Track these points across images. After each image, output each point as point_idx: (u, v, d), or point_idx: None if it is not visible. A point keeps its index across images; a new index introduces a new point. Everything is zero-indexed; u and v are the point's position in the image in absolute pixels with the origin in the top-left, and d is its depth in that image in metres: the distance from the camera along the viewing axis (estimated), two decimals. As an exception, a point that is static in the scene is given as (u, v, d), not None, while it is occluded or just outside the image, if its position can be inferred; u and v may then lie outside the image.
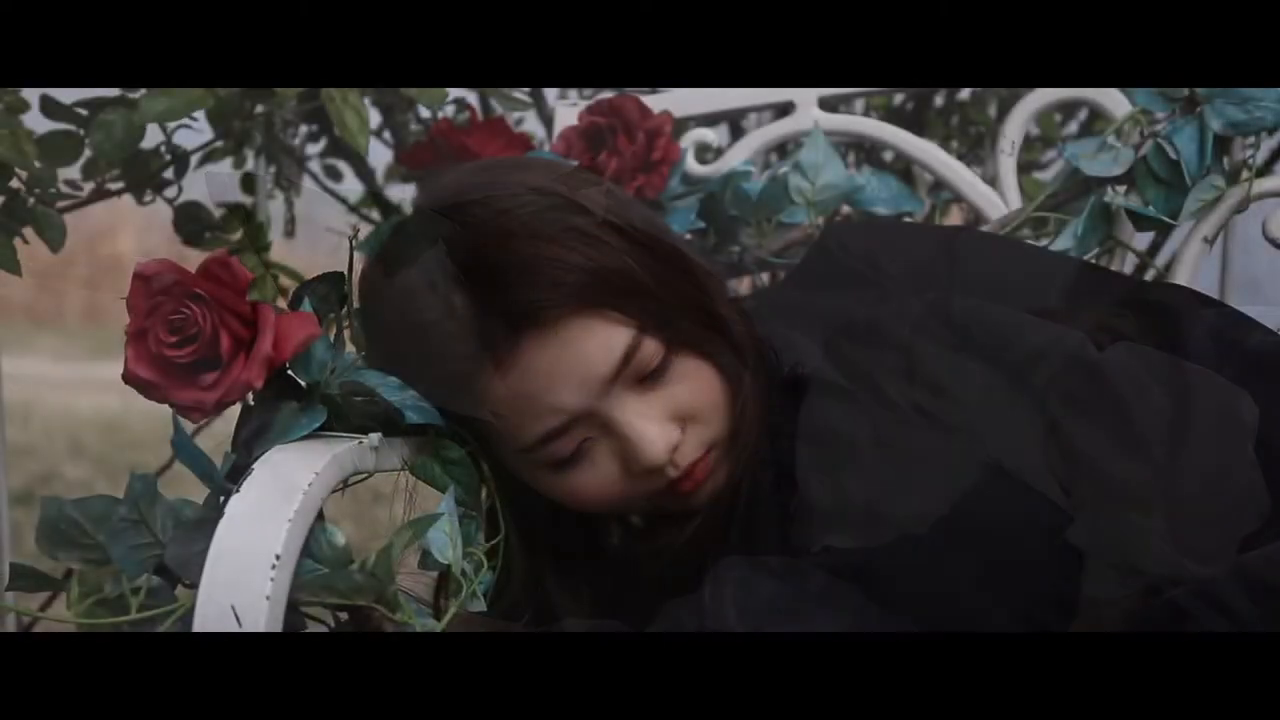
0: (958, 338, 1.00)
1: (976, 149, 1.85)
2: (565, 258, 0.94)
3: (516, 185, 0.97)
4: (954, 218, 1.60)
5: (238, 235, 1.42)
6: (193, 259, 0.99)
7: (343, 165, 1.85)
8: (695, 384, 0.98)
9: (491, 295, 0.93)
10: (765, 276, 1.29)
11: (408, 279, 0.97)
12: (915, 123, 1.82)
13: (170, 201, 1.36)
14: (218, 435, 1.06)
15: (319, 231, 1.78)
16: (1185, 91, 1.13)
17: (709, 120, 1.38)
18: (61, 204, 1.21)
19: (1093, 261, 1.16)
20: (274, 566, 0.80)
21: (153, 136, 1.25)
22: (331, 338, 0.96)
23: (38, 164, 1.15)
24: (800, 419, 0.98)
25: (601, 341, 0.94)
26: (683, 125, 1.32)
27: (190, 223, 1.40)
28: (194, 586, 0.82)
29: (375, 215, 1.92)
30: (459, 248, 0.95)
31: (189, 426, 0.93)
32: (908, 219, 1.29)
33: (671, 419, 0.97)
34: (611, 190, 1.02)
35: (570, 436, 0.96)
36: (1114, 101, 1.22)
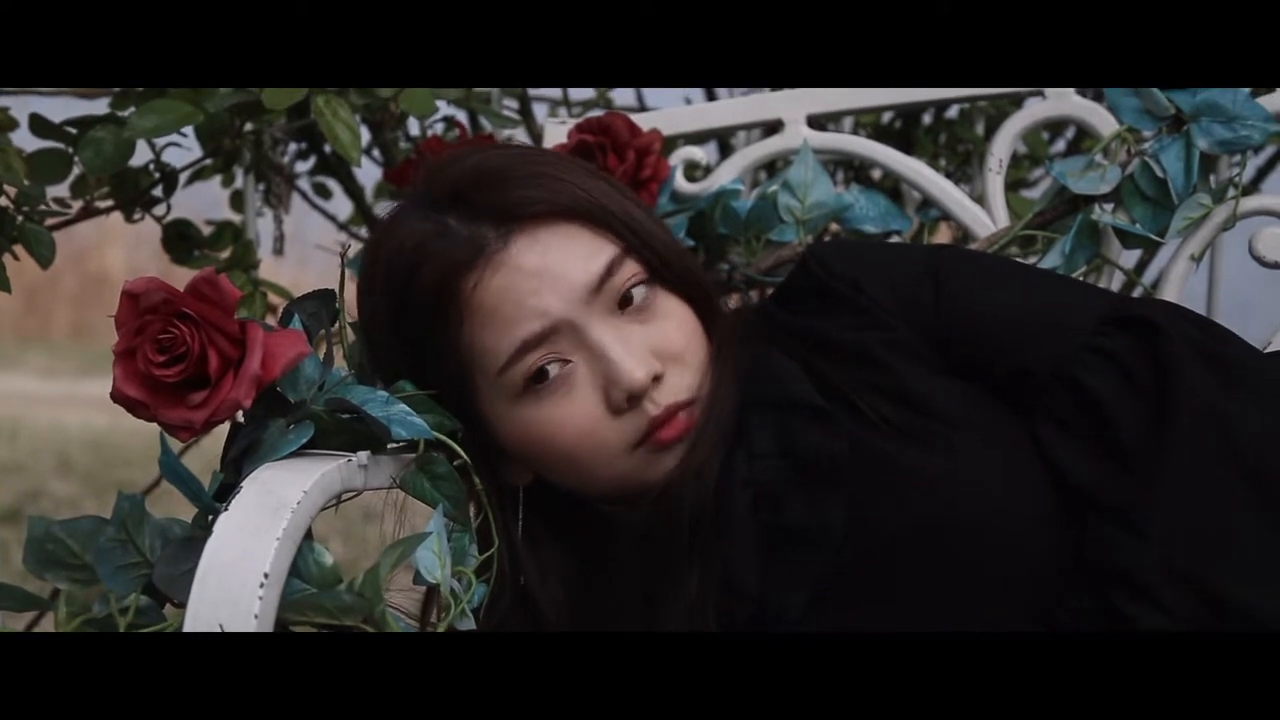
0: (942, 358, 1.00)
1: (964, 167, 1.86)
2: (563, 176, 0.99)
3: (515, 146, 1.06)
4: (942, 235, 1.60)
5: (226, 253, 1.42)
6: (180, 276, 1.00)
7: (332, 183, 1.85)
8: (678, 323, 1.00)
9: (486, 200, 0.97)
10: (754, 294, 1.29)
11: (404, 216, 1.01)
12: (903, 141, 1.83)
13: (159, 219, 1.36)
14: (207, 452, 1.06)
15: (308, 249, 1.78)
16: (1172, 110, 1.14)
17: (698, 138, 1.39)
18: (50, 221, 1.21)
19: (1077, 277, 1.17)
20: (262, 585, 0.80)
21: (142, 154, 1.25)
22: (321, 355, 0.96)
23: (26, 182, 1.15)
24: (780, 439, 0.98)
25: (585, 250, 0.97)
26: (672, 143, 1.32)
27: (179, 240, 1.40)
28: (182, 605, 0.82)
29: (364, 233, 1.92)
30: (454, 177, 1.00)
31: (177, 444, 0.93)
32: (896, 237, 1.29)
33: (653, 353, 0.98)
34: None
35: (548, 348, 0.97)
36: (1101, 120, 1.22)
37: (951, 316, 1.01)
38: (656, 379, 0.98)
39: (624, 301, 0.98)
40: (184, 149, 1.28)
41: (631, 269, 0.99)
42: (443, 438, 0.98)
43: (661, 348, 0.99)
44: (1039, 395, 0.98)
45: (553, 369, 0.97)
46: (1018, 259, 1.23)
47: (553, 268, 0.97)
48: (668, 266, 1.01)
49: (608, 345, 0.97)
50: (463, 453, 0.99)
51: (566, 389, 0.98)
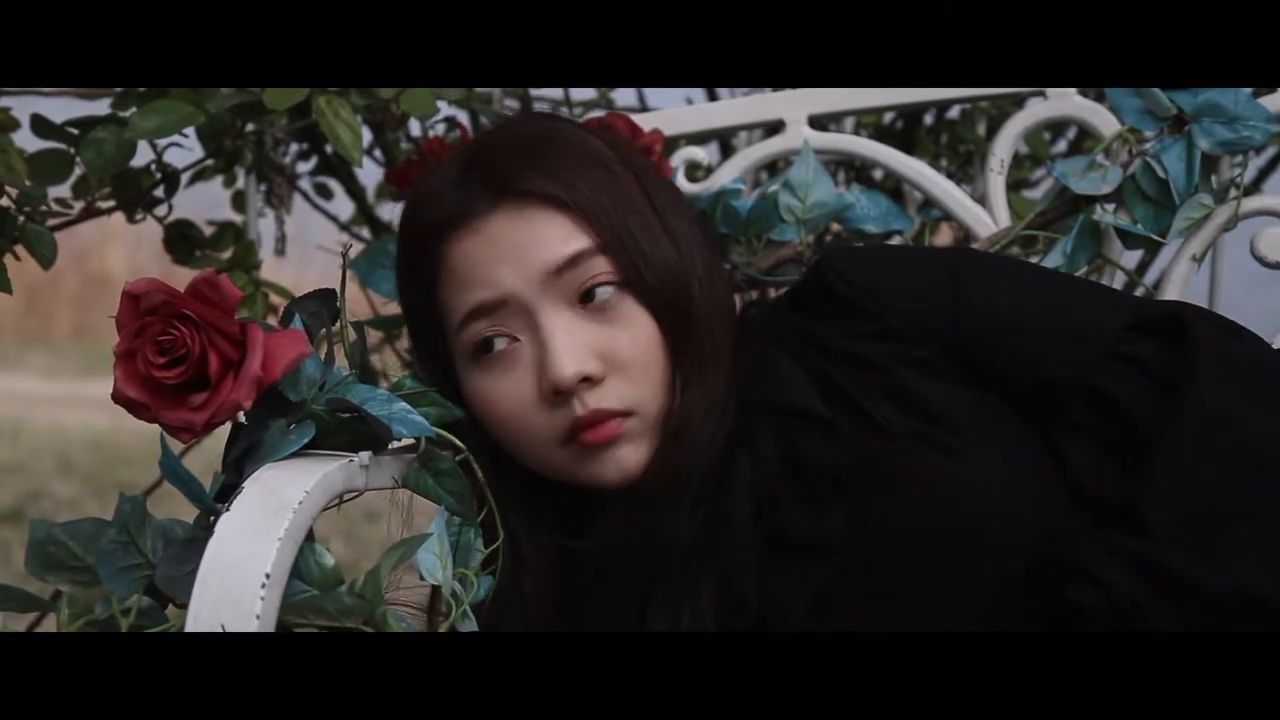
0: (954, 364, 0.99)
1: (966, 167, 1.85)
2: (568, 164, 1.00)
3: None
4: (943, 236, 1.60)
5: (228, 253, 1.42)
6: (182, 277, 1.00)
7: (334, 184, 1.85)
8: (634, 335, 0.99)
9: (491, 167, 1.01)
10: (754, 294, 1.29)
11: (445, 163, 1.06)
12: (905, 141, 1.83)
13: (160, 219, 1.36)
14: (209, 453, 1.06)
15: (310, 249, 1.78)
16: (1173, 110, 1.14)
17: (699, 138, 1.39)
18: (52, 222, 1.20)
19: (1098, 281, 1.16)
20: (264, 585, 0.80)
21: (143, 154, 1.25)
22: (322, 355, 0.96)
23: (28, 183, 1.15)
24: (781, 445, 0.97)
25: (558, 235, 0.98)
26: (673, 143, 1.32)
27: (180, 240, 1.40)
28: (184, 606, 0.82)
29: (366, 233, 1.92)
30: (484, 138, 1.06)
31: (178, 446, 0.93)
32: (897, 237, 1.29)
33: (597, 355, 0.98)
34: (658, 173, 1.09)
35: (498, 321, 0.99)
36: (1103, 120, 1.22)
37: (970, 321, 0.99)
38: (589, 380, 0.97)
39: (586, 297, 0.99)
40: (185, 149, 1.28)
41: (601, 267, 0.98)
42: (444, 433, 0.99)
43: (609, 353, 0.98)
44: (1061, 403, 0.97)
45: (500, 343, 1.00)
46: (1021, 259, 1.23)
47: (519, 245, 0.98)
48: (644, 279, 0.99)
49: (549, 333, 0.98)
50: (463, 446, 1.00)
51: (509, 365, 1.00)
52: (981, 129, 1.79)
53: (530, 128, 1.09)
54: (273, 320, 1.05)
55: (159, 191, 1.32)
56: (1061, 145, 1.99)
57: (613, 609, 1.00)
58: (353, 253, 1.06)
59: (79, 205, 1.27)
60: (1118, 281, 1.24)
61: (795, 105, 1.31)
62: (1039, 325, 0.99)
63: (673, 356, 1.00)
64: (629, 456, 0.99)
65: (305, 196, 1.83)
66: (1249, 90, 1.13)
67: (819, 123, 1.33)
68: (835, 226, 1.29)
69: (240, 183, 1.64)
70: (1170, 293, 1.18)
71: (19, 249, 1.16)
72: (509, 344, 1.00)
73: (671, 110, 1.36)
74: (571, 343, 0.97)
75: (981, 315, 1.00)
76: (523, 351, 0.99)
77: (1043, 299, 1.01)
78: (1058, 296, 1.02)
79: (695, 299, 1.01)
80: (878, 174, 1.82)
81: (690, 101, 1.61)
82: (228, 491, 0.88)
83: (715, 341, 1.02)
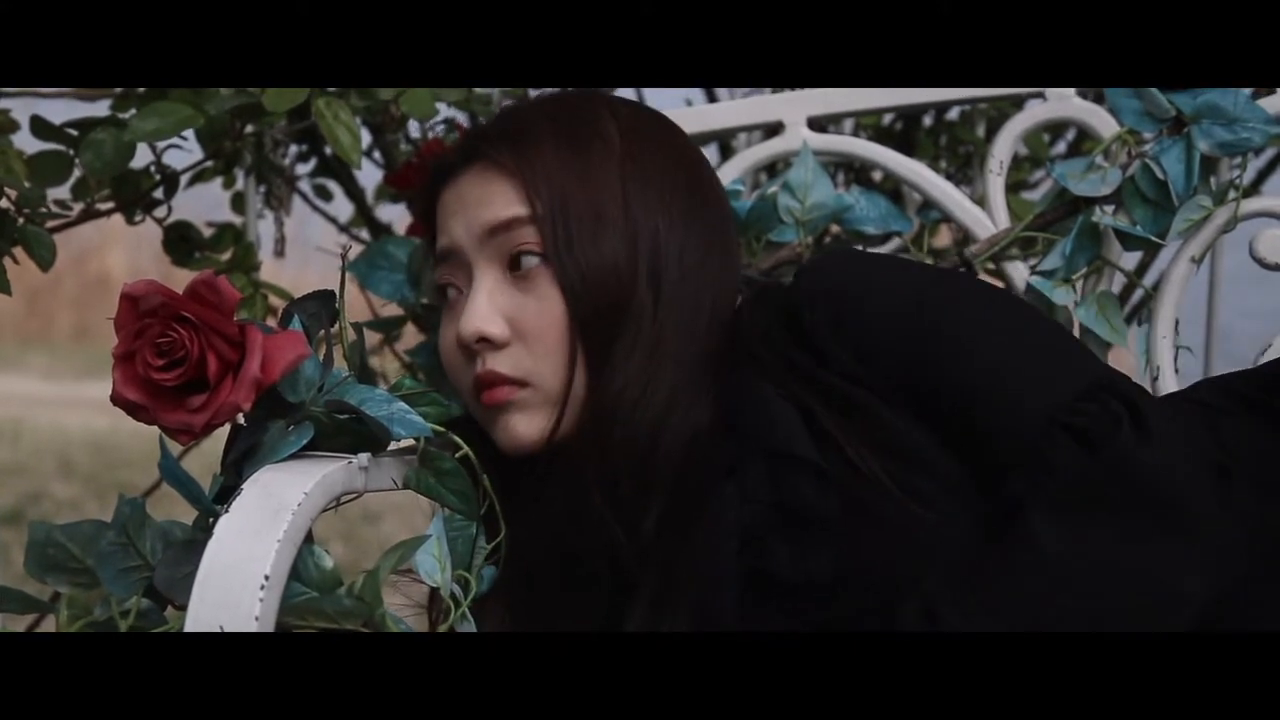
0: (909, 404, 0.97)
1: (965, 169, 1.85)
2: (542, 150, 1.03)
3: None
4: (943, 237, 1.60)
5: (227, 255, 1.42)
6: (182, 278, 1.00)
7: (333, 185, 1.85)
8: (542, 310, 1.01)
9: (486, 130, 1.09)
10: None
11: None
12: (904, 143, 1.83)
13: (160, 221, 1.36)
14: (208, 455, 1.06)
15: (309, 251, 1.78)
16: (1173, 112, 1.14)
17: (699, 140, 1.38)
18: (51, 223, 1.20)
19: (1097, 281, 1.15)
20: (263, 587, 0.80)
21: (143, 156, 1.25)
22: (320, 356, 0.96)
23: (27, 184, 1.15)
24: (772, 488, 0.95)
25: (504, 199, 1.03)
26: (673, 145, 1.32)
27: (180, 242, 1.40)
28: (183, 608, 0.82)
29: (366, 235, 1.92)
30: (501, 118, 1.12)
31: (177, 447, 0.93)
32: (896, 238, 1.29)
33: (507, 320, 1.02)
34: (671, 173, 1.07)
35: (451, 267, 1.06)
36: (1102, 121, 1.22)
37: (925, 366, 0.96)
38: (489, 340, 1.01)
39: (514, 263, 1.02)
40: (185, 151, 1.28)
41: (530, 236, 1.01)
42: (442, 430, 0.99)
43: (517, 320, 1.02)
44: (1007, 461, 0.93)
45: (452, 291, 1.07)
46: (1019, 259, 1.23)
47: (473, 202, 1.04)
48: (562, 258, 1.00)
49: (474, 288, 1.03)
50: (463, 443, 1.00)
51: (454, 314, 1.05)
52: (981, 130, 1.79)
53: (541, 102, 1.12)
54: (272, 322, 1.05)
55: (158, 193, 1.32)
56: (1061, 147, 1.99)
57: (566, 609, 1.00)
58: (352, 254, 1.06)
59: (78, 207, 1.28)
60: (1118, 283, 1.24)
61: (794, 106, 1.31)
62: (993, 385, 0.95)
63: (581, 339, 1.00)
64: (519, 425, 1.02)
65: (304, 198, 1.83)
66: (1248, 91, 1.13)
67: (818, 124, 1.33)
68: (834, 228, 1.29)
69: (240, 184, 1.64)
70: (1170, 294, 1.18)
71: (18, 251, 1.17)
72: (456, 294, 1.06)
73: (671, 111, 1.35)
74: (487, 302, 1.02)
75: (938, 367, 0.96)
76: (462, 302, 1.05)
77: (1004, 356, 0.97)
78: (1019, 355, 0.97)
79: (632, 293, 1.00)
80: (877, 175, 1.82)
81: (689, 103, 1.61)
82: (227, 493, 0.88)
83: (662, 338, 1.00)
